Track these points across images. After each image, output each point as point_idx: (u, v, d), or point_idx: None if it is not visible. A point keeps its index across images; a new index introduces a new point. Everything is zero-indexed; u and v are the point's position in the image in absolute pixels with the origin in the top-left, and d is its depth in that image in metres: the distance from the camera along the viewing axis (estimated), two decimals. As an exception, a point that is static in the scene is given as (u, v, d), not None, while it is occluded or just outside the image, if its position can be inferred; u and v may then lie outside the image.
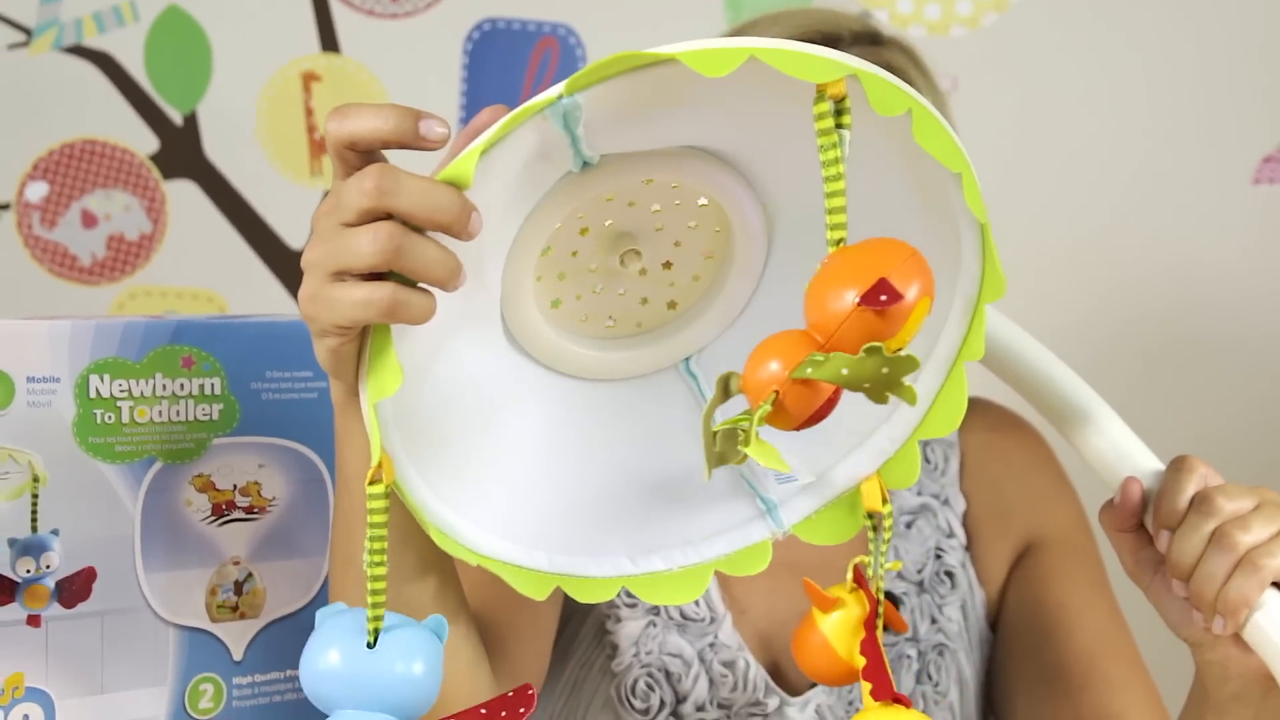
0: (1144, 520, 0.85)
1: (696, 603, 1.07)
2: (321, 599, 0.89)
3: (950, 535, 1.13)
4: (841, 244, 0.63)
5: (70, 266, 1.65)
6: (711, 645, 1.06)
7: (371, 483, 0.64)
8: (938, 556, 1.12)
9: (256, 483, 0.87)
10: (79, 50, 1.63)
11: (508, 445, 0.77)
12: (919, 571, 1.11)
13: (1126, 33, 1.64)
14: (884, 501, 0.76)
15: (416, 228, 0.65)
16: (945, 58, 1.63)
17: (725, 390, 0.67)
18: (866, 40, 1.14)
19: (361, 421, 0.73)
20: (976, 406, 1.19)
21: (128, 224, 1.65)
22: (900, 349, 0.62)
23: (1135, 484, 0.85)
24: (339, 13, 1.65)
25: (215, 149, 1.65)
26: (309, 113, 1.65)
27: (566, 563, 0.77)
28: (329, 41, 1.65)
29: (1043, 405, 0.88)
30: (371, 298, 0.65)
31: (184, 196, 1.65)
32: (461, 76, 1.65)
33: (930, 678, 1.09)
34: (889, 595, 1.09)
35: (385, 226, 0.64)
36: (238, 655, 0.86)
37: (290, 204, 1.66)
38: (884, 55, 1.13)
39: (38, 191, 1.63)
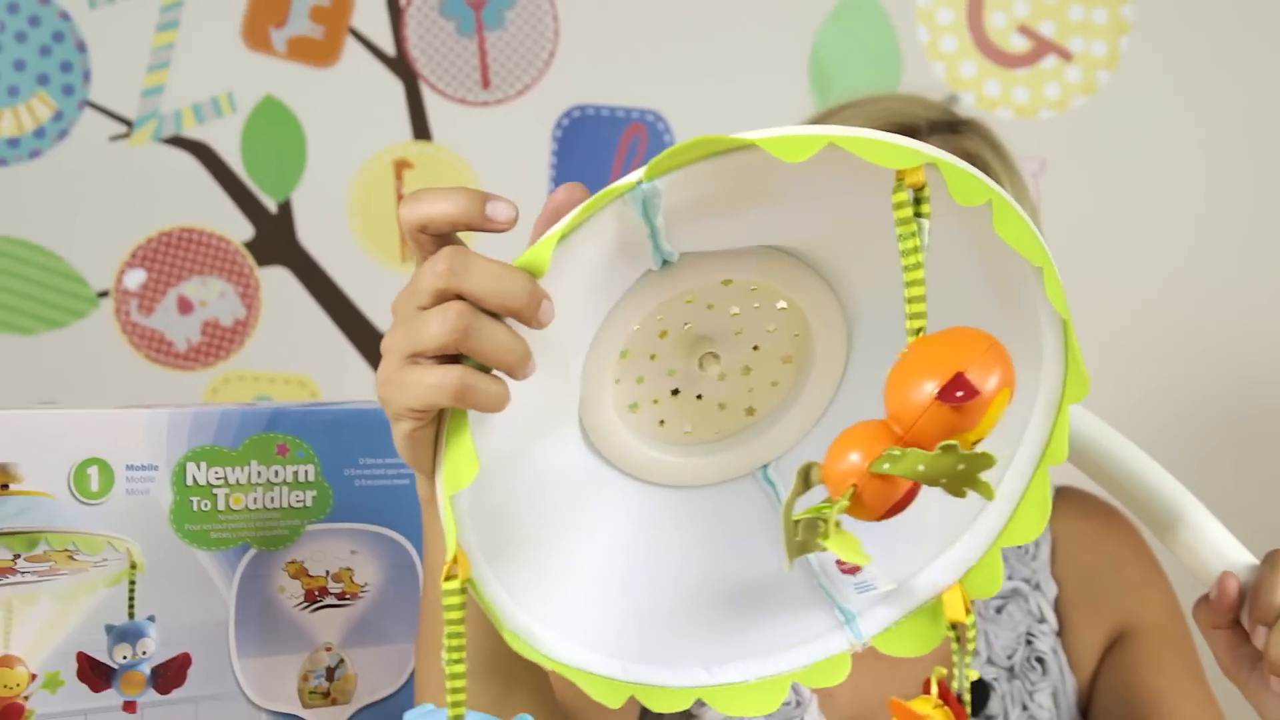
0: (1239, 616, 0.84)
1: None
2: (412, 685, 0.89)
3: (1041, 620, 1.11)
4: (921, 333, 0.63)
5: (166, 352, 1.67)
6: None
7: (447, 578, 0.63)
8: (1028, 642, 1.10)
9: (349, 569, 0.87)
10: (178, 141, 1.66)
11: (585, 550, 0.76)
12: (1009, 657, 1.09)
13: (1217, 113, 1.63)
14: (967, 612, 0.74)
15: (491, 312, 0.65)
16: (1034, 141, 1.63)
17: (805, 481, 0.65)
18: (945, 128, 1.14)
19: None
20: (1069, 495, 1.17)
21: (223, 310, 1.67)
22: (979, 440, 0.61)
23: (1232, 579, 0.83)
24: (431, 101, 1.67)
25: (308, 236, 1.68)
26: (400, 199, 1.67)
27: (641, 672, 0.76)
28: (421, 129, 1.67)
29: (1131, 503, 0.86)
30: (443, 381, 0.64)
31: (277, 282, 1.68)
32: (551, 163, 1.66)
33: None
34: (978, 685, 1.07)
35: (454, 306, 0.64)
36: (329, 742, 0.86)
37: (381, 289, 1.68)
38: (963, 143, 1.12)
39: (136, 279, 1.66)
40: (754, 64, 1.65)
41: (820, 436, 0.78)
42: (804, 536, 0.66)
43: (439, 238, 0.68)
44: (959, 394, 0.59)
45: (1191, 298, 1.62)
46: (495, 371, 0.66)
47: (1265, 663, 0.81)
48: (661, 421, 0.76)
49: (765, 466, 0.79)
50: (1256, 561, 0.83)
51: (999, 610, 1.11)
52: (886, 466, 0.60)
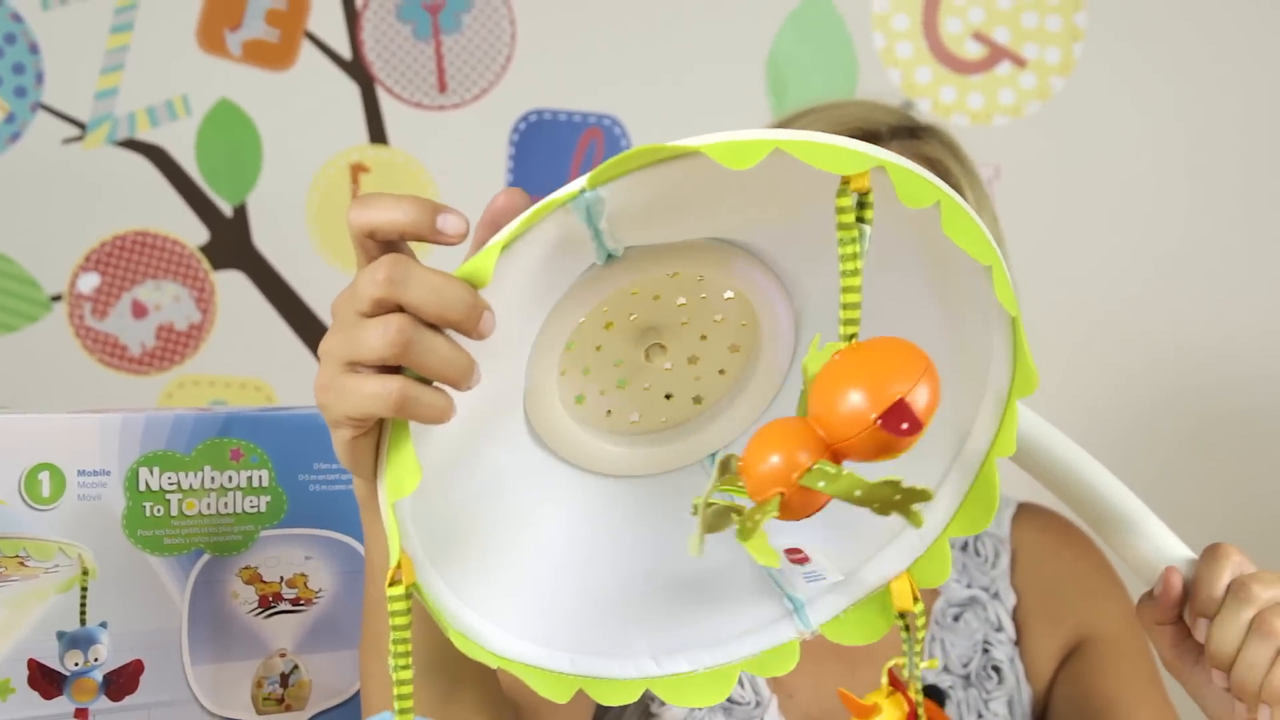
0: (1183, 612, 0.84)
1: (741, 686, 1.06)
2: (367, 691, 0.89)
3: (999, 629, 1.12)
4: (854, 339, 0.63)
5: (120, 356, 1.66)
6: None
7: (391, 584, 0.63)
8: (985, 650, 1.11)
9: (303, 574, 0.87)
10: (132, 144, 1.65)
11: (530, 546, 0.76)
12: (965, 665, 1.10)
13: (1169, 119, 1.64)
14: (915, 600, 0.75)
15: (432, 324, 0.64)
16: (988, 146, 1.63)
17: (724, 472, 0.65)
18: (905, 134, 1.14)
19: (382, 520, 0.72)
20: (1030, 510, 1.19)
21: (177, 314, 1.66)
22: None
23: (1176, 574, 0.83)
24: (387, 105, 1.67)
25: (264, 240, 1.67)
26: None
27: (589, 664, 0.76)
28: (377, 133, 1.67)
29: (1074, 501, 0.87)
30: (381, 391, 0.63)
31: (233, 286, 1.67)
32: (508, 167, 1.66)
33: None
34: (933, 690, 1.08)
35: (395, 320, 0.63)
36: (283, 748, 0.86)
37: (337, 293, 1.67)
38: (923, 149, 1.13)
39: (89, 283, 1.65)
40: (711, 69, 1.65)
41: None
42: (714, 521, 0.66)
43: (385, 244, 0.67)
44: (904, 425, 0.59)
45: (1146, 301, 1.63)
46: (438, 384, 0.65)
47: (1206, 656, 0.82)
48: (608, 412, 0.76)
49: (713, 456, 0.79)
50: (1194, 555, 0.84)
51: (956, 619, 1.11)
52: (821, 485, 0.60)
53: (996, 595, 1.13)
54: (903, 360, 0.61)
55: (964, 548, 1.15)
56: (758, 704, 1.06)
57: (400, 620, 0.63)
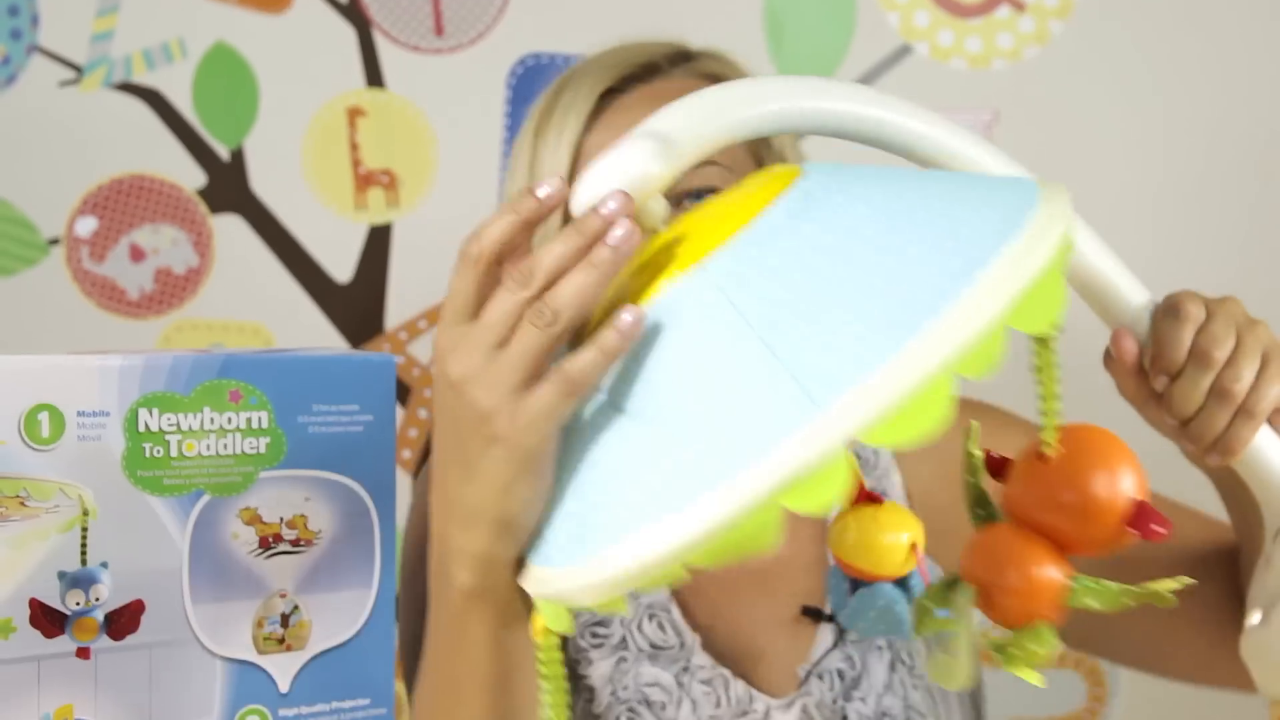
0: (1142, 363, 0.85)
1: (663, 630, 1.07)
2: (367, 631, 0.89)
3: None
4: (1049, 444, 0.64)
5: (118, 300, 1.66)
6: (686, 669, 1.06)
7: (540, 634, 0.65)
8: None
9: (303, 515, 0.87)
10: (128, 87, 1.65)
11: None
12: None
13: (1168, 64, 1.64)
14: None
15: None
16: (987, 91, 1.63)
17: (948, 591, 0.66)
18: (681, 59, 1.15)
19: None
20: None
21: (175, 258, 1.66)
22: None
23: (1128, 339, 0.84)
24: (384, 49, 1.66)
25: (261, 184, 1.67)
26: (354, 147, 1.66)
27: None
28: (374, 77, 1.66)
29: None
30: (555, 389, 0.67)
31: (230, 230, 1.67)
32: (505, 111, 1.66)
33: (904, 662, 1.09)
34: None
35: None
36: (284, 687, 0.86)
37: (334, 237, 1.67)
38: (700, 67, 1.14)
39: (87, 226, 1.65)
40: (708, 13, 1.64)
41: None
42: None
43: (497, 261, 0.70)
44: (1154, 526, 0.61)
45: (1145, 249, 1.63)
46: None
47: (1167, 408, 0.85)
48: None
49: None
50: (1148, 299, 0.85)
51: None
52: (1092, 603, 0.62)
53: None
54: (1116, 455, 0.63)
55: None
56: (682, 645, 1.07)
57: (553, 671, 0.65)
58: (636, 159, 0.68)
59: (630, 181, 0.68)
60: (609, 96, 1.09)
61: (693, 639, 1.08)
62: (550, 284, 0.67)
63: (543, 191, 0.69)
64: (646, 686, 1.06)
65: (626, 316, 0.65)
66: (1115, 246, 0.83)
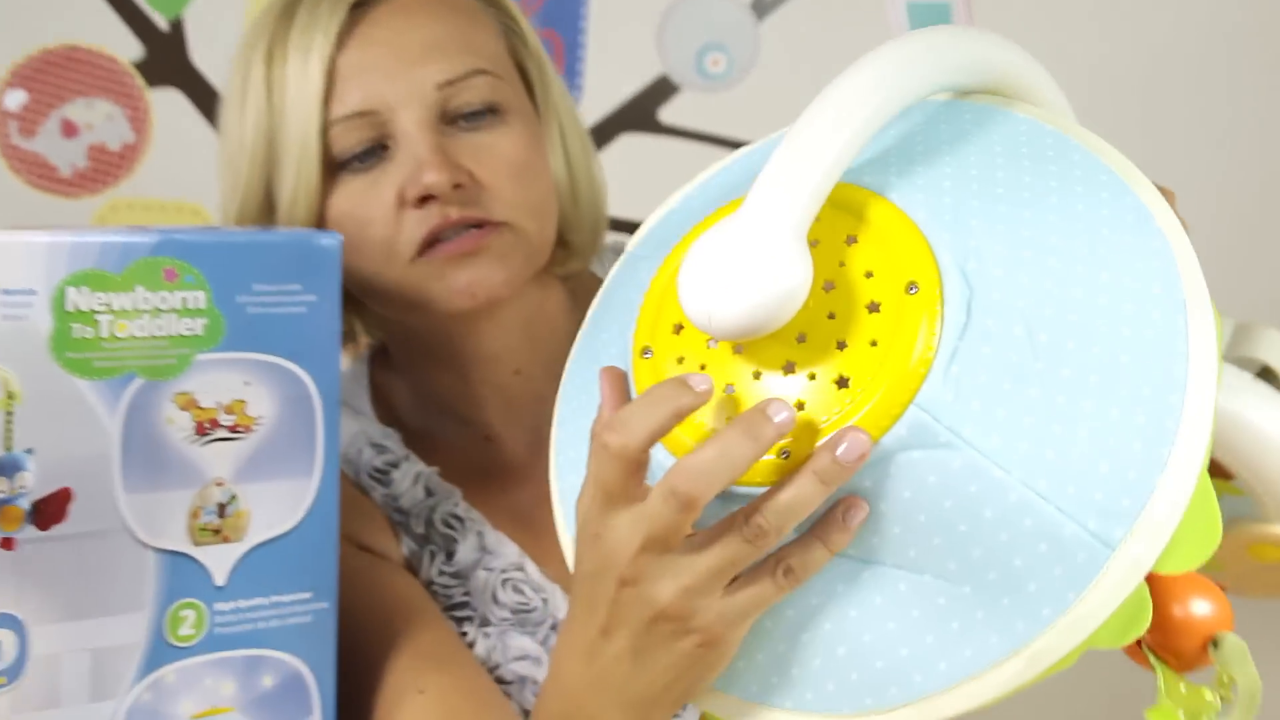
0: None
1: (523, 593, 1.02)
2: (308, 522, 0.86)
3: None
4: None
5: (50, 178, 1.63)
6: (554, 627, 1.02)
7: None
8: None
9: (242, 401, 0.84)
10: (60, -48, 1.61)
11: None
12: None
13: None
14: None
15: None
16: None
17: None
18: None
19: None
20: None
21: (110, 134, 1.63)
22: None
23: None
24: (329, -83, 1.61)
25: (202, 56, 1.63)
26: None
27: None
28: (319, -53, 1.62)
29: None
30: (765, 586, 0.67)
31: (169, 106, 1.63)
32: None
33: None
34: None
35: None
36: (220, 580, 0.84)
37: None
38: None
39: (16, 99, 1.62)
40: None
41: None
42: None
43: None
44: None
45: (1130, 122, 1.61)
46: None
47: None
48: None
49: None
50: None
51: None
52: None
53: None
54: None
55: None
56: (545, 601, 1.02)
57: None
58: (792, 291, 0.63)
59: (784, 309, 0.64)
60: (358, 9, 0.98)
61: (553, 589, 1.02)
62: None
63: (702, 387, 0.65)
64: (515, 661, 1.00)
65: (852, 450, 0.63)
66: (1097, 123, 0.82)
